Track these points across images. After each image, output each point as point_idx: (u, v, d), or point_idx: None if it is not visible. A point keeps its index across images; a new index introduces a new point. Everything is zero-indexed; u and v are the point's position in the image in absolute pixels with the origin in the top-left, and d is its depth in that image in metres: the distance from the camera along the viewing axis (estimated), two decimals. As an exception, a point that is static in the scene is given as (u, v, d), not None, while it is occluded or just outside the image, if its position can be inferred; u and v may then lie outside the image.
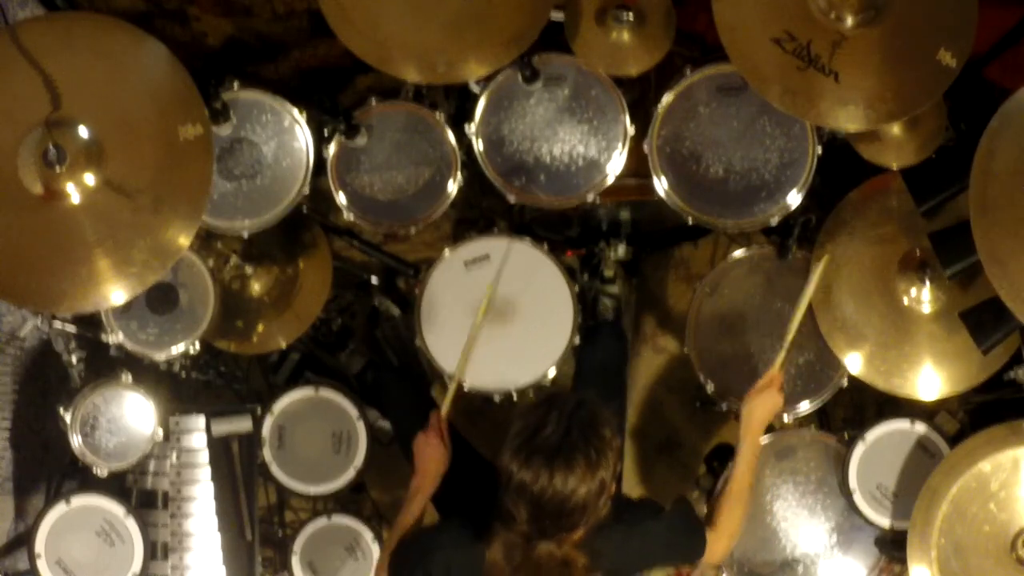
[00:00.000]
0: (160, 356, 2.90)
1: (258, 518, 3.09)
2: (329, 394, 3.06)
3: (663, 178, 2.81)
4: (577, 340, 2.90)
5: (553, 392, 2.11)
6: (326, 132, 2.86)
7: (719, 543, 2.49)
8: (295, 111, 2.82)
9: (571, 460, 1.97)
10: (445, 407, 2.65)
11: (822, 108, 2.44)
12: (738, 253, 2.96)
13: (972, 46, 2.41)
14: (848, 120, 2.45)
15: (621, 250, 3.24)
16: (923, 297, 2.79)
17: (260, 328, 3.11)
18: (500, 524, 2.11)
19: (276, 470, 3.05)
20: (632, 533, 2.25)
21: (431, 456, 2.56)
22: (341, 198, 2.90)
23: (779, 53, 2.42)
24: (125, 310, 2.88)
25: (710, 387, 2.96)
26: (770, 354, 2.94)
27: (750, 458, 2.60)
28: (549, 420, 2.01)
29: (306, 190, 2.84)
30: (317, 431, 3.06)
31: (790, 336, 2.74)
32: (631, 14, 2.63)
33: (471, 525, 2.20)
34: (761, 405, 2.65)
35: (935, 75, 2.42)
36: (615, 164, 2.83)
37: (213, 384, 3.37)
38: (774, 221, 2.82)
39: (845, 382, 2.91)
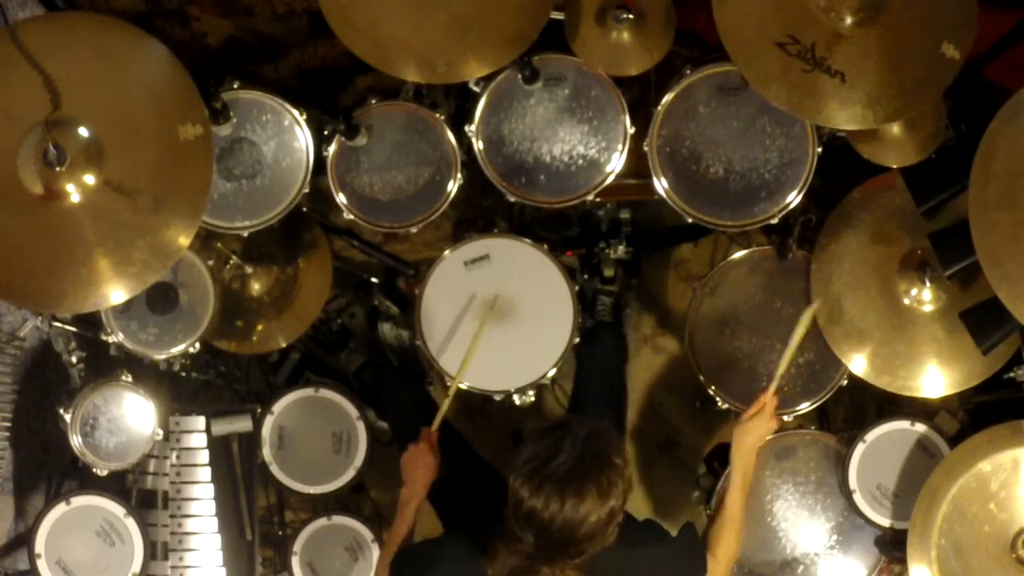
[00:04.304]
0: (160, 356, 2.90)
1: (258, 518, 3.10)
2: (329, 394, 3.06)
3: (663, 178, 2.81)
4: (577, 340, 2.90)
5: (566, 418, 2.08)
6: (326, 132, 2.85)
7: (718, 568, 2.48)
8: (295, 111, 2.82)
9: (583, 489, 1.96)
10: (436, 422, 2.65)
11: (830, 110, 2.43)
12: (738, 253, 2.96)
13: (974, 37, 2.41)
14: (856, 120, 2.45)
15: (621, 250, 3.24)
16: (923, 297, 2.79)
17: (260, 328, 3.11)
18: (502, 544, 2.10)
19: (276, 470, 3.05)
20: (634, 555, 2.23)
21: (421, 464, 2.56)
22: (341, 198, 2.90)
23: (784, 57, 2.42)
24: (125, 310, 2.88)
25: (710, 387, 2.97)
26: (770, 354, 2.95)
27: (741, 483, 2.59)
28: (562, 448, 1.99)
29: (306, 190, 2.84)
30: (317, 431, 3.06)
31: (781, 370, 2.72)
32: (631, 14, 2.63)
33: (473, 540, 2.19)
34: (752, 430, 2.65)
35: (939, 68, 2.41)
36: (615, 164, 2.83)
37: (213, 384, 3.37)
38: (774, 221, 2.82)
39: (845, 381, 2.91)
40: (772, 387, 2.72)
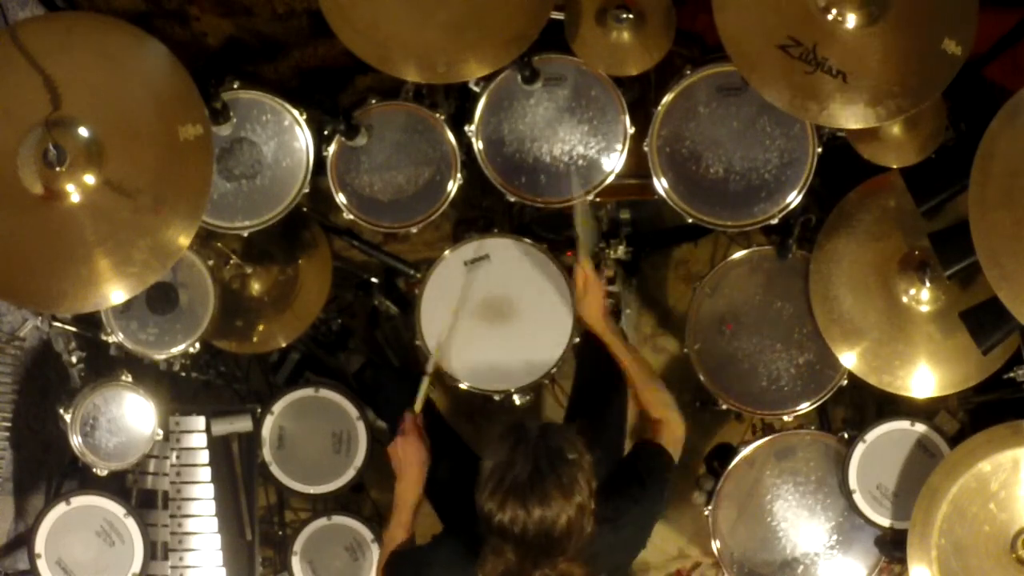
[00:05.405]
0: (160, 356, 2.90)
1: (258, 518, 3.10)
2: (329, 394, 3.06)
3: (663, 178, 2.81)
4: (577, 340, 2.90)
5: (515, 425, 2.10)
6: (326, 132, 2.85)
7: (671, 433, 2.51)
8: (295, 111, 2.82)
9: (545, 494, 1.98)
10: (418, 405, 2.61)
11: (833, 110, 2.43)
12: (738, 253, 2.96)
13: (975, 31, 2.41)
14: (859, 119, 2.45)
15: (621, 250, 3.23)
16: (922, 297, 2.80)
17: (260, 328, 3.11)
18: (490, 551, 2.10)
19: (276, 470, 3.06)
20: (620, 526, 2.25)
21: (411, 456, 2.52)
22: (341, 198, 2.90)
23: (786, 59, 2.42)
24: (125, 310, 2.87)
25: (710, 387, 2.96)
26: (770, 354, 2.95)
27: (619, 349, 2.59)
28: (516, 458, 2.02)
29: (306, 190, 2.84)
30: (317, 431, 3.06)
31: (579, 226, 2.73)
32: (631, 14, 2.63)
33: (467, 544, 2.19)
34: (590, 303, 2.63)
35: (942, 65, 2.42)
36: (615, 164, 2.83)
37: (213, 384, 3.37)
38: (774, 221, 2.82)
39: (845, 381, 2.91)
40: (580, 253, 2.69)
